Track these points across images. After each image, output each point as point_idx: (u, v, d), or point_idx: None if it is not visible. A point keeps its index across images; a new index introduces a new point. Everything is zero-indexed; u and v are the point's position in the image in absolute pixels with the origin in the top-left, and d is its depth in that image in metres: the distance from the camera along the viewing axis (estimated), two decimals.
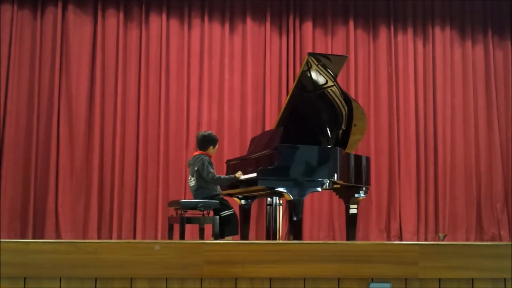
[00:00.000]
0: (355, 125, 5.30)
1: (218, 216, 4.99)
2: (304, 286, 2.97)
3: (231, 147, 7.44)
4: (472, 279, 3.05)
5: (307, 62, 5.10)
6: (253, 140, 5.80)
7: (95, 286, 2.88)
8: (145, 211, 7.28)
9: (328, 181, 4.73)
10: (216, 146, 5.36)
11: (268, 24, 7.83)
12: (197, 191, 5.15)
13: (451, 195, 7.98)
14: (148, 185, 7.34)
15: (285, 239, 5.46)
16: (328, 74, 5.17)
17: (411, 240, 7.60)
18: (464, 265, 3.05)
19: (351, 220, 5.30)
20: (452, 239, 7.82)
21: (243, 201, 5.66)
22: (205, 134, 5.37)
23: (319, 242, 3.20)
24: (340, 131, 5.31)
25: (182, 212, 5.02)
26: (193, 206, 4.95)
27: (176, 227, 5.12)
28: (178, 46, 7.61)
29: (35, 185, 7.07)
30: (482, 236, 7.97)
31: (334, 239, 7.53)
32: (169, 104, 7.49)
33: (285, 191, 4.63)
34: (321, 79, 5.22)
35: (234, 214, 5.17)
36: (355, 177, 5.05)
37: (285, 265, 2.96)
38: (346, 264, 2.99)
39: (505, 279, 3.07)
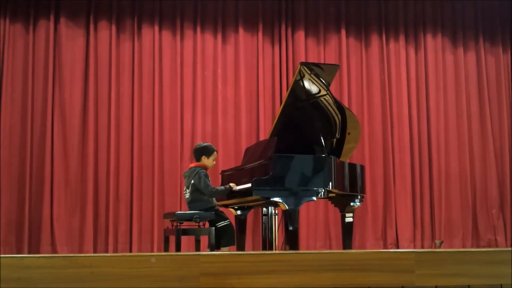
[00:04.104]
0: (349, 134, 5.31)
1: (214, 227, 4.98)
2: None
3: (225, 157, 7.43)
4: (469, 286, 3.05)
5: (300, 71, 5.11)
6: (247, 150, 5.80)
7: None
8: (140, 223, 7.26)
9: (323, 190, 4.73)
10: (213, 158, 5.31)
11: (260, 34, 7.85)
12: (192, 204, 5.14)
13: (446, 202, 7.99)
14: (143, 197, 7.31)
15: (281, 249, 5.44)
16: (321, 83, 5.18)
17: (408, 247, 7.60)
18: (460, 272, 3.05)
19: (347, 229, 5.29)
20: (448, 245, 7.83)
21: (238, 212, 5.65)
22: (201, 145, 5.36)
23: (315, 252, 3.20)
24: (334, 139, 5.33)
25: (178, 223, 5.00)
26: (189, 218, 4.94)
27: (172, 239, 5.11)
28: (171, 57, 7.62)
29: (30, 198, 7.03)
30: (478, 242, 7.98)
31: (330, 248, 7.52)
32: (163, 116, 7.48)
33: (280, 201, 4.62)
34: (314, 88, 5.23)
35: (230, 225, 5.16)
36: (350, 186, 5.05)
37: (281, 275, 2.95)
38: (342, 273, 2.98)
39: (501, 285, 3.07)
